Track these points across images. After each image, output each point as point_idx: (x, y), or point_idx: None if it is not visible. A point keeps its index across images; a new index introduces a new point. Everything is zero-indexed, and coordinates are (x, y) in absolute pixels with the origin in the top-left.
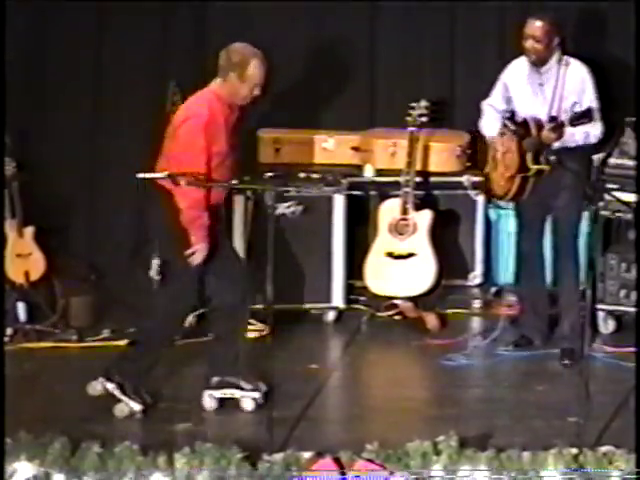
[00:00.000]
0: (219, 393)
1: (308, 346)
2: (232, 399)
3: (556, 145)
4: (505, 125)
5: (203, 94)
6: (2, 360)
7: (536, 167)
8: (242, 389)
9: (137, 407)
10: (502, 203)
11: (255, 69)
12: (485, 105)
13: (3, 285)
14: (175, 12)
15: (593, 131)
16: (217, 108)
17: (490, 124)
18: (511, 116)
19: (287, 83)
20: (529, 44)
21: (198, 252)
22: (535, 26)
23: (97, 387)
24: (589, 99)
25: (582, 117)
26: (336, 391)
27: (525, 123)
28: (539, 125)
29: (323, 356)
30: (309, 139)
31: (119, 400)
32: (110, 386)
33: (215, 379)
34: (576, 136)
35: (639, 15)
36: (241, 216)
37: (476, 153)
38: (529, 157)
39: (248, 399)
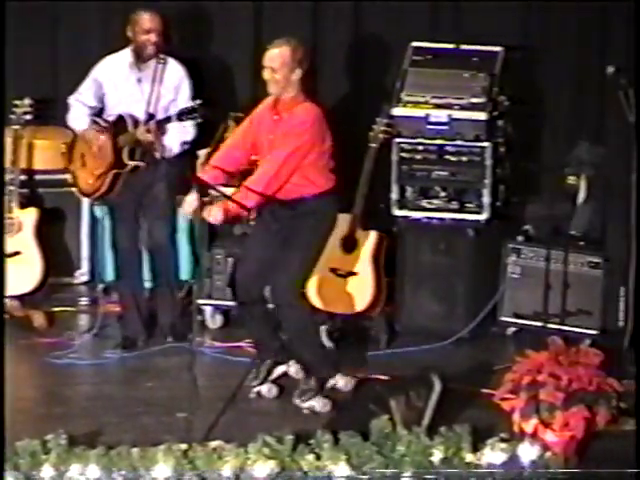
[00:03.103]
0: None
1: None
2: None
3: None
4: (95, 122)
5: None
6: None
7: (133, 163)
8: None
9: None
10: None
11: None
12: (73, 100)
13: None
14: None
15: (188, 137)
16: None
17: (78, 120)
18: (101, 112)
19: None
20: (150, 38)
21: None
22: (154, 20)
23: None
24: (185, 97)
25: (189, 112)
26: None
27: (120, 119)
28: (136, 122)
29: None
30: None
31: None
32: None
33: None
34: (174, 149)
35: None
36: None
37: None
38: (125, 153)
39: None
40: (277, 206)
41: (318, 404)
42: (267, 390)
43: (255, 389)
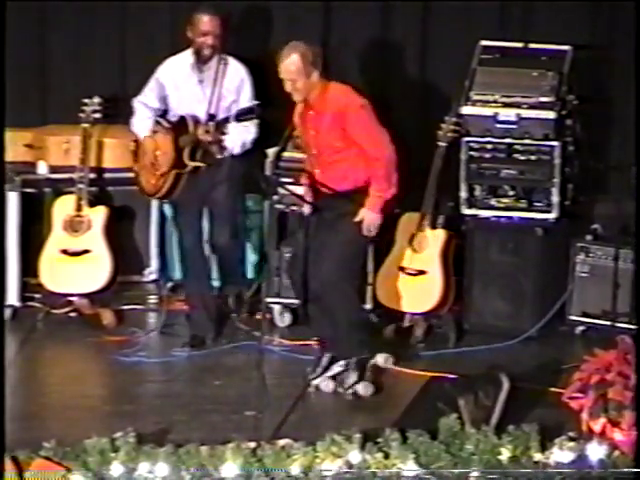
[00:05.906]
0: None
1: None
2: None
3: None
4: (158, 123)
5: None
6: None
7: (193, 163)
8: None
9: None
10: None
11: None
12: (137, 103)
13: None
14: None
15: (249, 137)
16: None
17: (142, 122)
18: (164, 114)
19: None
20: (207, 40)
21: None
22: (212, 22)
23: None
24: (247, 98)
25: (247, 113)
26: (13, 389)
27: (183, 120)
28: (197, 122)
29: None
30: None
31: None
32: None
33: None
34: (235, 150)
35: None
36: None
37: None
38: (186, 154)
39: None
40: (333, 198)
41: (360, 388)
42: (324, 385)
43: (313, 382)
